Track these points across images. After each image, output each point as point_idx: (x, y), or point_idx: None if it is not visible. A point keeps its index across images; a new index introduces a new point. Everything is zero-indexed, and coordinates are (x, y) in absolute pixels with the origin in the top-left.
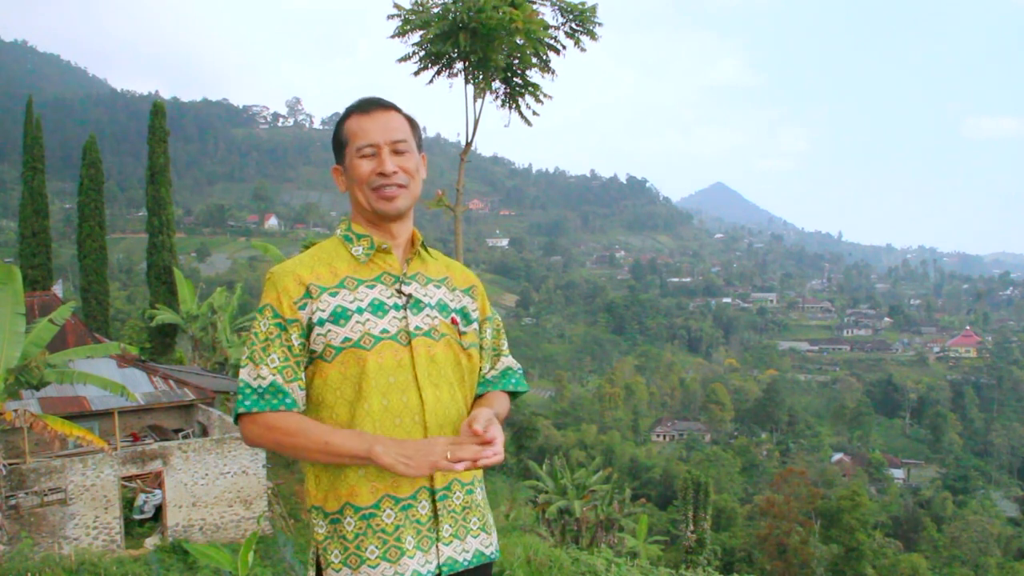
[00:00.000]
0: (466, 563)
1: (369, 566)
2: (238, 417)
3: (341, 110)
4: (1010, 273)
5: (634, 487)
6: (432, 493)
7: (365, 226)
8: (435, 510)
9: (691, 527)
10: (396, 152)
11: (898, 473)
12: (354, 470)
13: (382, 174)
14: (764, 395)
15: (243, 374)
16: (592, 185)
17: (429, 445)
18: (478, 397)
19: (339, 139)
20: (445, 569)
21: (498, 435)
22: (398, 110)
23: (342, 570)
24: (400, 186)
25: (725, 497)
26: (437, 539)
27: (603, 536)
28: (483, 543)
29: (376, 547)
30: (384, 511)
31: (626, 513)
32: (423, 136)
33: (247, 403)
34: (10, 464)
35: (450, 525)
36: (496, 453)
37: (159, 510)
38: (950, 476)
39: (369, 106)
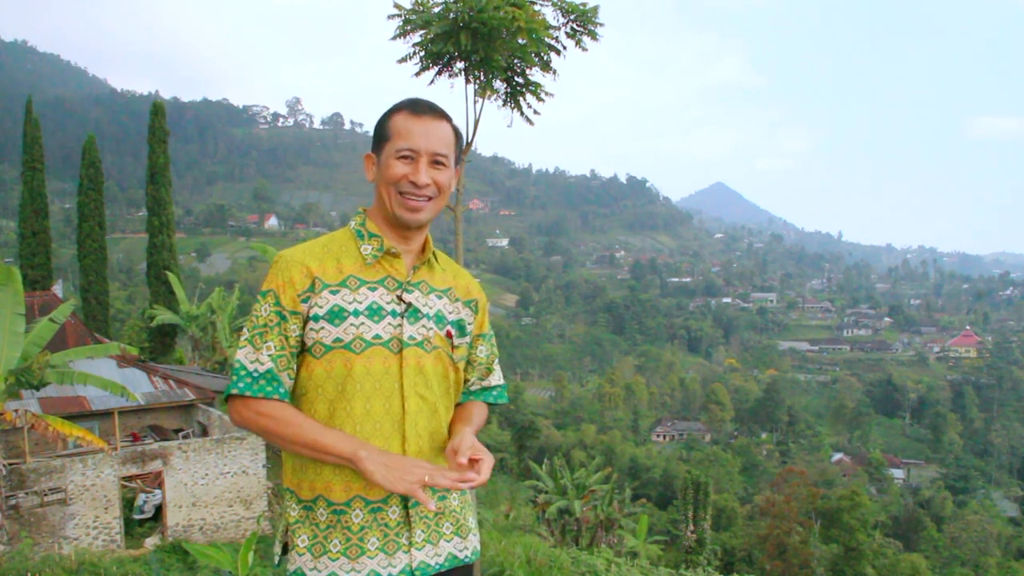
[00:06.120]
0: (438, 567)
1: (330, 558)
2: (229, 397)
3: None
4: (1010, 273)
5: (634, 487)
6: (404, 499)
7: (380, 224)
8: (407, 515)
9: (691, 527)
10: (434, 164)
11: (898, 473)
12: (331, 467)
13: (414, 183)
14: (764, 395)
15: (241, 355)
16: (592, 185)
17: (412, 465)
18: (458, 405)
19: (382, 131)
20: (418, 573)
21: (486, 459)
22: (449, 120)
23: (305, 555)
24: (428, 199)
25: (725, 497)
26: (410, 544)
27: (603, 536)
28: (457, 547)
29: (340, 542)
30: (354, 510)
31: (626, 513)
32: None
33: (241, 385)
34: (10, 464)
35: (422, 531)
36: (475, 479)
37: (159, 510)
38: (950, 476)
39: (421, 109)
